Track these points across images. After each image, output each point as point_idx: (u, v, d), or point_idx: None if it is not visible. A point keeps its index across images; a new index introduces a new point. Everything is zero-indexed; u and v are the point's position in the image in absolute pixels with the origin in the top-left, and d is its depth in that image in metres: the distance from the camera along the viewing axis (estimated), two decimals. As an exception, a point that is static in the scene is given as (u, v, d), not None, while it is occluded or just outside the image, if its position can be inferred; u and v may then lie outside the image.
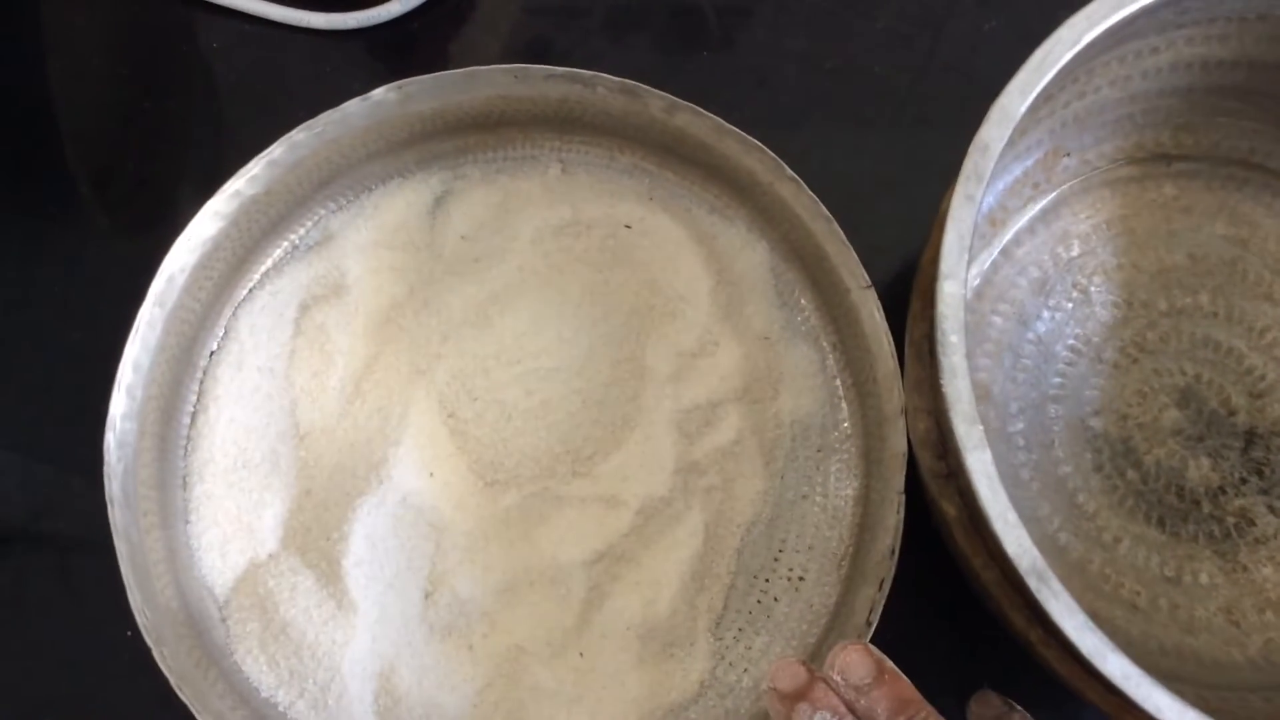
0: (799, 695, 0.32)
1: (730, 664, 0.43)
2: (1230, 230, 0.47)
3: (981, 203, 0.36)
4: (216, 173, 0.43)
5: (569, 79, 0.45)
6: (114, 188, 0.51)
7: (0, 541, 0.46)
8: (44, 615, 0.45)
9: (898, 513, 0.40)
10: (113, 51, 0.53)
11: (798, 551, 0.44)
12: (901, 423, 0.41)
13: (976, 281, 0.46)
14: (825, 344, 0.46)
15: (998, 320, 0.46)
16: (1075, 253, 0.47)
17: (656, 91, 0.44)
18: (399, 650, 0.42)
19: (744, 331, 0.46)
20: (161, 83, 0.52)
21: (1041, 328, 0.46)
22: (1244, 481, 0.44)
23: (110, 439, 0.41)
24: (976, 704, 0.39)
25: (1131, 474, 0.44)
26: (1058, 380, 0.45)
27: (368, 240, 0.47)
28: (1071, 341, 0.46)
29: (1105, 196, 0.47)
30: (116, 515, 0.40)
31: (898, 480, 0.41)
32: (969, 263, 0.35)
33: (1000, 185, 0.46)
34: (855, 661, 0.32)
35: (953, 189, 0.35)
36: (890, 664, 0.32)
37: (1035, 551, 0.32)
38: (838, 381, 0.46)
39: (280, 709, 0.42)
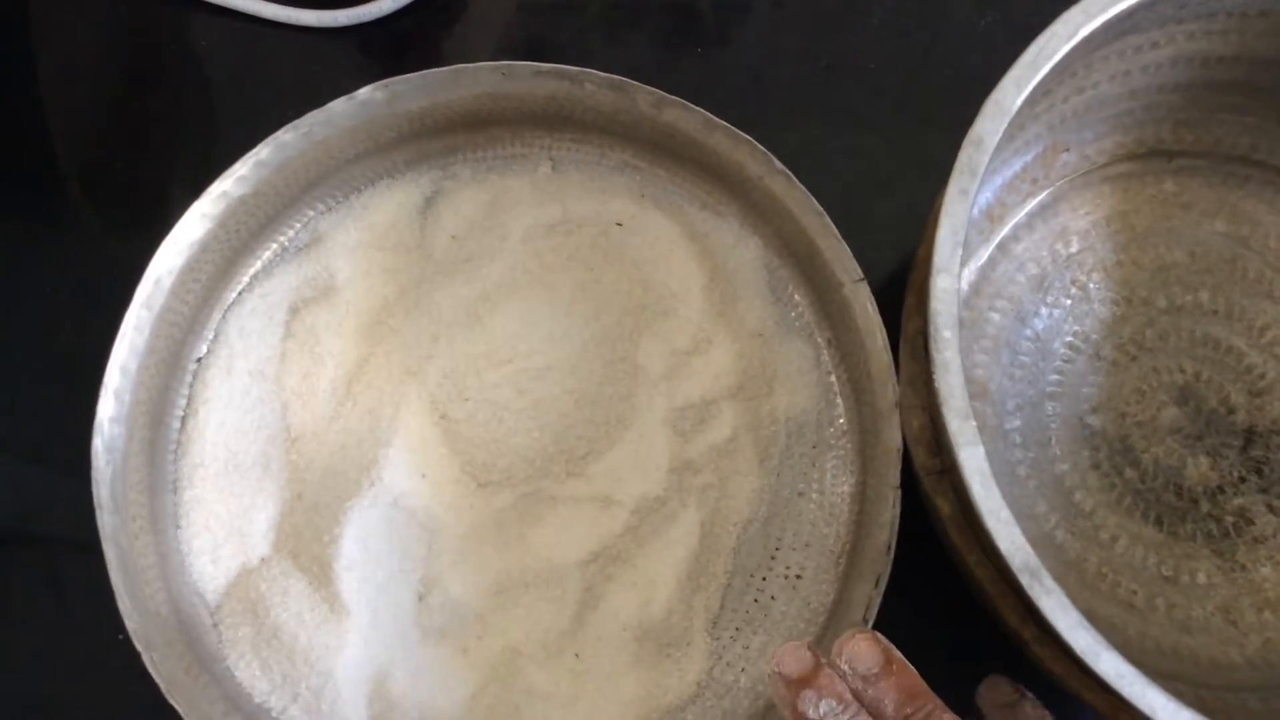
0: (804, 681, 0.31)
1: (728, 664, 0.43)
2: (1231, 227, 0.46)
3: (977, 198, 0.35)
4: (208, 172, 0.43)
5: (556, 75, 0.44)
6: (104, 188, 0.51)
7: (-13, 545, 0.47)
8: (32, 618, 0.45)
9: (893, 508, 0.40)
10: (102, 50, 0.53)
11: (794, 549, 0.44)
12: (896, 418, 0.40)
13: (974, 277, 0.46)
14: (819, 340, 0.46)
15: (995, 317, 0.46)
16: (1074, 249, 0.47)
17: (644, 86, 0.44)
18: (393, 654, 0.42)
19: (737, 328, 0.45)
20: (151, 81, 0.52)
21: (1039, 324, 0.46)
22: (1243, 480, 0.44)
23: (98, 443, 0.40)
24: (987, 689, 0.38)
25: (1129, 472, 0.44)
26: (1055, 377, 0.45)
27: (357, 241, 0.46)
28: (1070, 338, 0.46)
29: (1105, 192, 0.47)
30: (105, 520, 0.40)
31: (893, 476, 0.40)
32: (965, 258, 0.35)
33: (998, 180, 0.45)
34: (863, 651, 0.32)
35: (946, 184, 0.35)
36: (898, 654, 0.32)
37: (1029, 549, 0.32)
38: (832, 377, 0.45)
39: (274, 714, 0.41)
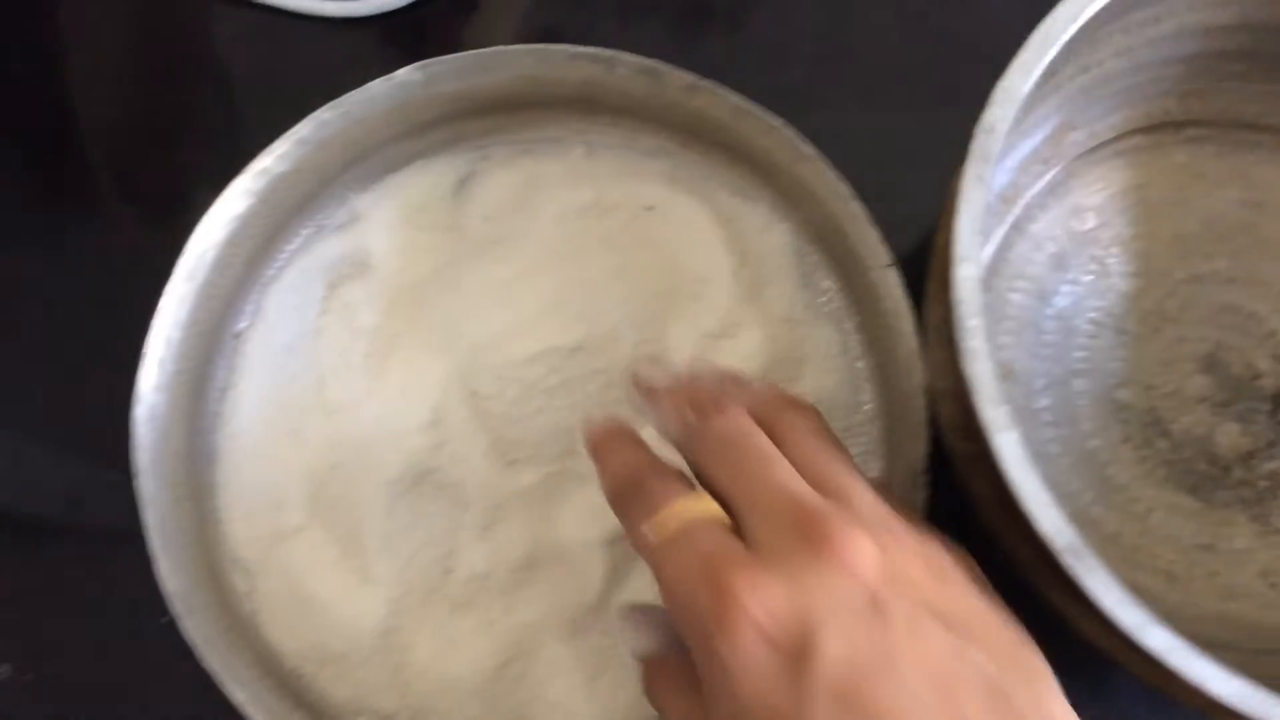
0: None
1: (750, 645, 0.43)
2: (1244, 194, 0.46)
3: (992, 184, 0.36)
4: (234, 162, 0.44)
5: (590, 59, 0.45)
6: (135, 181, 0.52)
7: (34, 534, 0.47)
8: (80, 606, 0.46)
9: (923, 490, 0.40)
10: (130, 47, 0.54)
11: (819, 533, 0.44)
12: (923, 401, 0.40)
13: (991, 260, 0.46)
14: (848, 325, 0.46)
15: (1016, 297, 0.46)
16: (1090, 225, 0.46)
17: (678, 70, 0.44)
18: (420, 625, 0.43)
19: (766, 313, 0.46)
20: (178, 76, 0.53)
21: (1061, 302, 0.46)
22: (1273, 444, 0.44)
23: (140, 411, 0.41)
24: None
25: (1161, 444, 0.44)
26: (1081, 354, 0.45)
27: (393, 220, 0.47)
28: (1092, 315, 0.46)
29: (1117, 167, 0.47)
30: (145, 485, 0.41)
31: (921, 460, 0.40)
32: (982, 242, 0.35)
33: (1010, 163, 0.45)
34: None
35: (961, 171, 0.35)
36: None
37: (1070, 530, 0.32)
38: (860, 364, 0.45)
39: (305, 681, 0.42)
